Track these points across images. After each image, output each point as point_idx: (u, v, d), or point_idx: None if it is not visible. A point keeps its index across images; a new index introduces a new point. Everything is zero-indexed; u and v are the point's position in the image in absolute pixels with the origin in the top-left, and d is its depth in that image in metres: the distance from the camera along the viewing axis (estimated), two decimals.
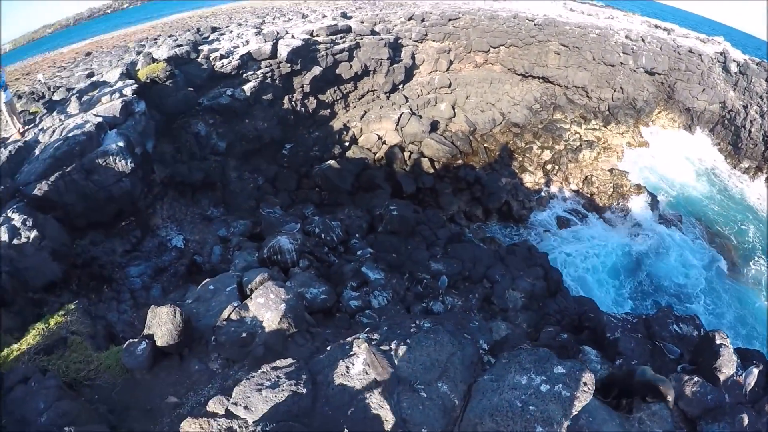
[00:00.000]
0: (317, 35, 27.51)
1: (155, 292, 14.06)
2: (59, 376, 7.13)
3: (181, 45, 23.06)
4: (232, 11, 38.26)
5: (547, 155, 32.32)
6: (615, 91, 35.40)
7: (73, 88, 19.12)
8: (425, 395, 6.39)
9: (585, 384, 6.36)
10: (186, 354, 8.13)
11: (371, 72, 30.42)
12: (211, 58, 23.15)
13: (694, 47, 34.99)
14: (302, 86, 26.77)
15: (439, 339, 7.35)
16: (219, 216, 19.60)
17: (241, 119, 23.49)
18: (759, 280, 25.17)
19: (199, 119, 21.91)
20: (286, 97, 26.38)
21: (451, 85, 34.11)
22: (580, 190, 30.35)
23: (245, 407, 5.98)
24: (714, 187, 32.62)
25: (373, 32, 30.34)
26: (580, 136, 34.03)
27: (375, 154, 29.20)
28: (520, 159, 31.98)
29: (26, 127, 15.92)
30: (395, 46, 31.36)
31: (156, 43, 26.31)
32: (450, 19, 33.61)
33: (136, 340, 7.85)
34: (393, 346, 7.12)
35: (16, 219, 12.20)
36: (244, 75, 23.94)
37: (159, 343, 7.74)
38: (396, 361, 6.84)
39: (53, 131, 15.19)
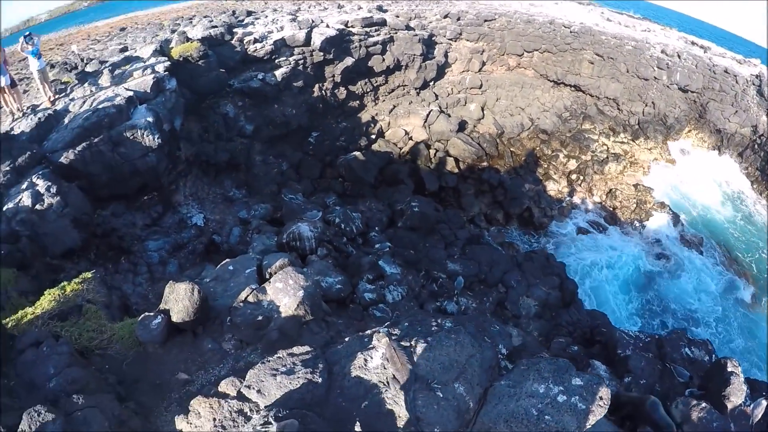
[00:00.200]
0: (352, 26, 27.31)
1: (172, 267, 14.02)
2: (71, 342, 7.02)
3: (216, 26, 23.02)
4: None
5: (572, 165, 31.72)
6: (646, 105, 34.33)
7: (106, 62, 19.18)
8: (441, 395, 6.17)
9: (601, 398, 6.10)
10: (200, 332, 7.98)
11: (403, 67, 30.12)
12: (244, 42, 23.08)
13: (730, 67, 33.76)
14: (333, 76, 26.59)
15: (460, 340, 7.09)
16: (240, 198, 19.56)
17: (270, 104, 23.40)
18: None
19: (229, 101, 21.91)
20: (317, 86, 26.23)
21: (482, 86, 33.59)
22: (603, 203, 29.67)
23: (258, 391, 5.78)
24: (738, 213, 31.45)
25: (408, 27, 30.03)
26: (608, 148, 33.22)
27: (400, 149, 28.94)
28: (546, 166, 31.42)
29: (57, 96, 16.01)
30: (429, 43, 31.00)
31: (191, 22, 26.36)
32: (486, 20, 33.07)
33: (151, 314, 7.72)
34: (413, 342, 6.87)
35: (41, 185, 12.23)
36: (276, 60, 23.83)
37: (174, 318, 7.60)
38: (415, 358, 6.59)
39: (83, 102, 15.25)
